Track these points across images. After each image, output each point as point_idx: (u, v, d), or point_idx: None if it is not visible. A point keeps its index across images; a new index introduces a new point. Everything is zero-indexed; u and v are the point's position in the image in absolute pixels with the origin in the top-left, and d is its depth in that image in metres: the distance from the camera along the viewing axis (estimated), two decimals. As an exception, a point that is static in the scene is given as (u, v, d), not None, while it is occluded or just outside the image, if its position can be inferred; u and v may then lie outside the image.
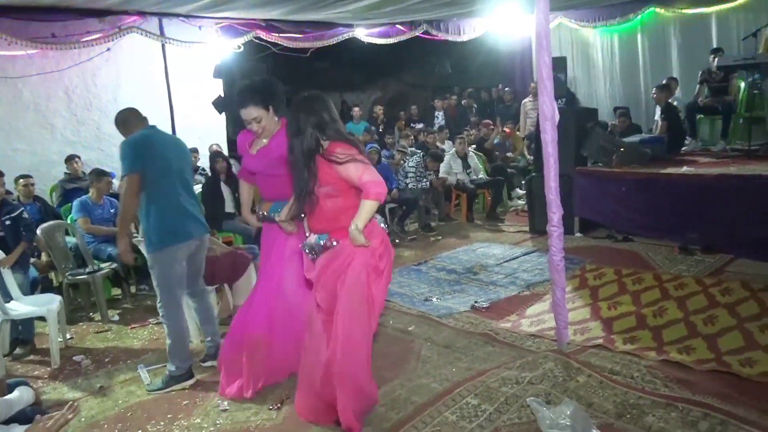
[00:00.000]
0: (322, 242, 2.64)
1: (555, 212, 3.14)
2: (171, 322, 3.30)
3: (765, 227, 4.67)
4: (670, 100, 7.34)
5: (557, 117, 3.05)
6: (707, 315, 3.75)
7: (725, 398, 2.70)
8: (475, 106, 11.08)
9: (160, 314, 3.33)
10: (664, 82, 7.67)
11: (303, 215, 2.76)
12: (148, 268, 3.38)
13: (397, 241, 6.68)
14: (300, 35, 7.00)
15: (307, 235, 2.75)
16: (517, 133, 9.44)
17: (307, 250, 2.72)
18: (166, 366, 3.41)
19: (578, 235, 6.13)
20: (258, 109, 2.98)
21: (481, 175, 7.87)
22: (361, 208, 2.51)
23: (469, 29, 8.94)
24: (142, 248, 3.88)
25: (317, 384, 2.72)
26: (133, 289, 5.31)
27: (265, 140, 3.12)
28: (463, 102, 11.16)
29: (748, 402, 2.67)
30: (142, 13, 6.35)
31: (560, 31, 9.66)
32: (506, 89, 10.44)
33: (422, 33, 8.40)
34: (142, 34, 6.46)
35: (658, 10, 8.29)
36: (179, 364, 3.33)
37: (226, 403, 3.11)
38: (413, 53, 12.16)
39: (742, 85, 7.17)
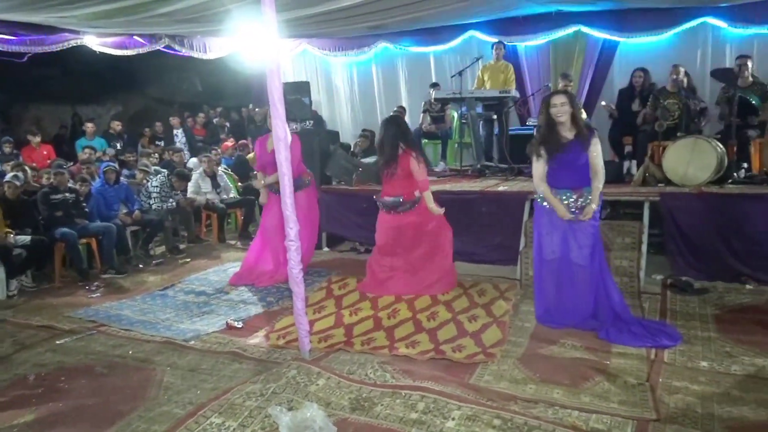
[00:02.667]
0: (399, 201, 4.65)
1: (292, 228, 3.31)
2: None
3: (469, 235, 5.60)
4: (400, 126, 8.29)
5: (290, 138, 3.23)
6: (430, 312, 4.33)
7: (438, 380, 3.15)
8: (228, 124, 10.96)
9: None
10: (394, 110, 8.64)
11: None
12: None
13: (141, 266, 6.24)
14: (12, 37, 6.03)
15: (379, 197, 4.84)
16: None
17: (385, 207, 4.76)
18: None
19: (326, 249, 6.50)
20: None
21: (233, 194, 7.82)
22: (426, 198, 4.60)
23: (216, 47, 8.79)
24: None
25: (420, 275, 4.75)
26: None
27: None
28: (215, 120, 10.95)
29: (455, 381, 3.15)
30: None
31: (305, 57, 10.13)
32: (257, 109, 10.52)
33: (164, 47, 8.00)
34: None
35: (388, 45, 9.31)
36: None
37: None
38: (159, 67, 11.49)
39: (455, 115, 8.47)
